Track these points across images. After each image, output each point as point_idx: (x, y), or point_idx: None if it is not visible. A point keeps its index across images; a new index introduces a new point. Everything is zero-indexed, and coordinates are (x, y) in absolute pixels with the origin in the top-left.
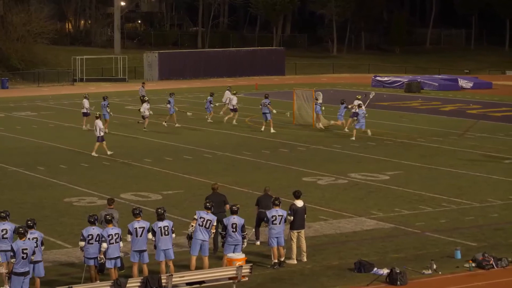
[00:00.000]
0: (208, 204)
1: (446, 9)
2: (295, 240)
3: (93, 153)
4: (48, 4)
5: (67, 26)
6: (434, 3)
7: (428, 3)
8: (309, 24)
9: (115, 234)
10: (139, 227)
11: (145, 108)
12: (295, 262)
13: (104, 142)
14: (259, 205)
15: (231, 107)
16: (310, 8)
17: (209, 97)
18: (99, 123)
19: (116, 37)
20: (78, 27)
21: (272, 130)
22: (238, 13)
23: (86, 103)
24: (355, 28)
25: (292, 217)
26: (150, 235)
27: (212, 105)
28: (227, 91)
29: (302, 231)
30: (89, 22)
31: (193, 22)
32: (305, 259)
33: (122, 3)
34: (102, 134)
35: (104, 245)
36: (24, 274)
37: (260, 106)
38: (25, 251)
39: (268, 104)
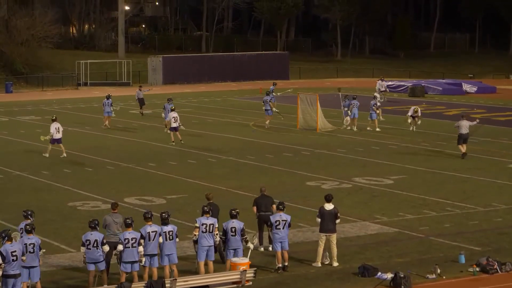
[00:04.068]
0: (206, 208)
1: (450, 13)
2: (322, 243)
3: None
4: (52, 8)
5: (71, 30)
6: (438, 7)
7: (432, 7)
8: (313, 28)
9: (132, 238)
10: (152, 231)
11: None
12: (320, 265)
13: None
14: (258, 208)
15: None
16: (314, 13)
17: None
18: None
19: (120, 41)
20: (82, 31)
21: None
22: (242, 18)
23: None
24: (359, 32)
25: (319, 219)
26: (161, 239)
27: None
28: (379, 81)
29: (333, 235)
30: (93, 26)
31: (197, 26)
32: (335, 264)
33: (126, 8)
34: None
35: (120, 247)
36: (15, 276)
37: (262, 103)
38: (14, 254)
39: (270, 100)
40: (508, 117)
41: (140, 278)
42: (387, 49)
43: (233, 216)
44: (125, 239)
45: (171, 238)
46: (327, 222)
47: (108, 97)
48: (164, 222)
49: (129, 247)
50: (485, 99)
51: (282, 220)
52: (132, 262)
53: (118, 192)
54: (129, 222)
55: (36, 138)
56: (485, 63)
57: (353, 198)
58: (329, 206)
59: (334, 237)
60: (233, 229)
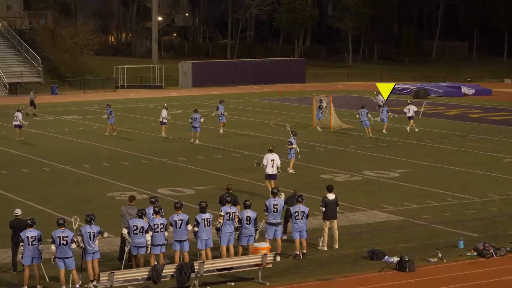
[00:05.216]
0: (228, 198)
1: (450, 23)
2: (326, 229)
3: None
4: (93, 19)
5: (110, 39)
6: (440, 18)
7: (434, 18)
8: (327, 36)
9: (160, 224)
10: (178, 220)
11: (164, 114)
12: (326, 248)
13: (18, 129)
14: (287, 203)
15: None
16: (328, 23)
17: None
18: (19, 114)
19: (154, 48)
20: (120, 39)
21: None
22: (263, 27)
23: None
24: (369, 41)
25: (324, 208)
26: (189, 226)
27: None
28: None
29: (335, 221)
30: (130, 35)
31: (223, 35)
32: (337, 247)
33: (160, 18)
34: (19, 123)
35: (151, 233)
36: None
37: (358, 116)
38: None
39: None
40: (503, 116)
41: (172, 260)
42: (393, 56)
43: (247, 207)
44: (154, 225)
45: (208, 224)
46: (331, 210)
47: (109, 106)
48: (203, 210)
49: (157, 232)
50: (482, 100)
51: (301, 211)
52: (161, 245)
53: (151, 183)
54: (157, 210)
55: (79, 135)
56: (482, 68)
57: (362, 189)
58: (331, 196)
59: (336, 223)
60: (248, 218)
